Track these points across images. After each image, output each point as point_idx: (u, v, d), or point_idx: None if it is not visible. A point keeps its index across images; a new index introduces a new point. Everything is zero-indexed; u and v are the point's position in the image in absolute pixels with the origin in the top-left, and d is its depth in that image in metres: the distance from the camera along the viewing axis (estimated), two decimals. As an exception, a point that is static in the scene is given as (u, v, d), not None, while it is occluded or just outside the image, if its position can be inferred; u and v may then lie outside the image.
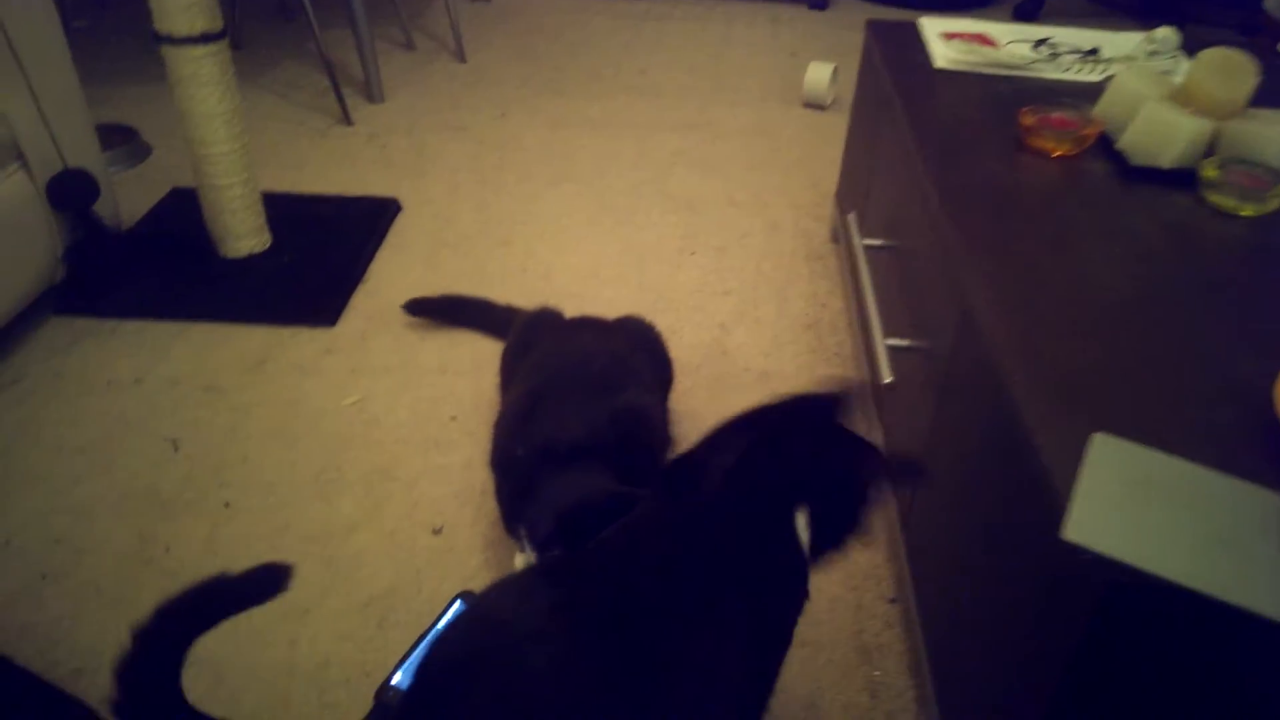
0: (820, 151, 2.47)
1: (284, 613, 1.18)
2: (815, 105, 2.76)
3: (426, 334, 1.73)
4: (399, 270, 1.91)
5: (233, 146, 1.77)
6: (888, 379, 1.19)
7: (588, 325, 1.42)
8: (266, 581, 0.85)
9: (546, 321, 1.44)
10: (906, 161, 1.33)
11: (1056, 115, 1.31)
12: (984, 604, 0.87)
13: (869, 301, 1.34)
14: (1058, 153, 1.27)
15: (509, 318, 1.66)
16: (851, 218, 1.57)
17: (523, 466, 1.14)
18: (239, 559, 1.25)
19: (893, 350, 1.24)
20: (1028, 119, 1.29)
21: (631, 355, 1.34)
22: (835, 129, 2.60)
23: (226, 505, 1.34)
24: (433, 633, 1.13)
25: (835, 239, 2.05)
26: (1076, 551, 0.67)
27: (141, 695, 0.76)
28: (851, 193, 1.79)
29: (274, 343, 1.68)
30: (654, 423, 1.24)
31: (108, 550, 1.27)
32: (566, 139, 2.51)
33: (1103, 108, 1.34)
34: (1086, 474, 0.74)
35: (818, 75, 2.71)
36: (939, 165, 1.22)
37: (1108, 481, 0.73)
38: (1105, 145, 1.28)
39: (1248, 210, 1.13)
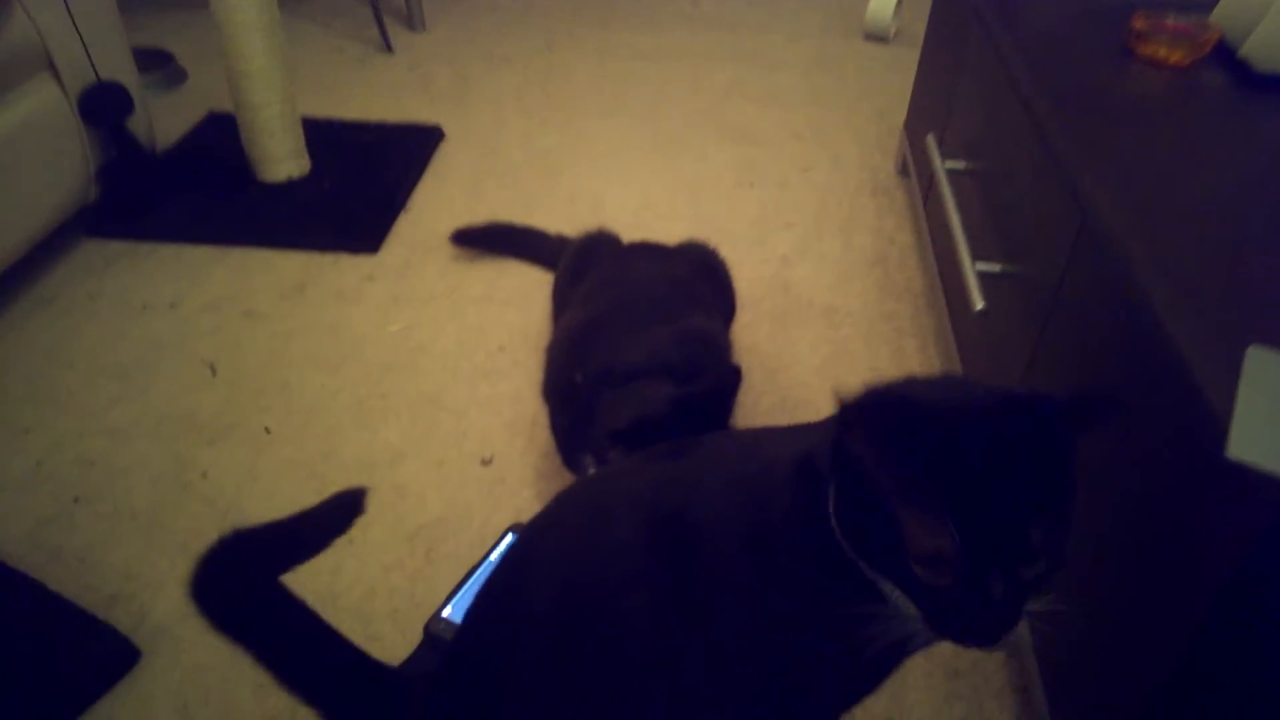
0: (884, 84, 2.33)
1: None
2: (877, 37, 2.61)
3: (472, 263, 1.64)
4: (442, 199, 1.83)
5: (270, 62, 1.69)
6: (979, 306, 1.09)
7: (647, 250, 1.33)
8: (345, 509, 0.77)
9: (603, 245, 1.35)
10: (1000, 77, 1.21)
11: (1170, 21, 1.18)
12: (1116, 538, 0.77)
13: (955, 225, 1.23)
14: (1172, 60, 1.15)
15: (559, 248, 1.57)
16: (931, 140, 1.46)
17: (582, 394, 1.06)
18: (280, 487, 1.19)
19: (982, 277, 1.13)
20: (1140, 23, 1.16)
21: (694, 280, 1.25)
22: (900, 60, 2.45)
23: (267, 431, 1.28)
24: (490, 563, 1.06)
25: (902, 172, 1.93)
26: (1240, 470, 0.58)
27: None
28: (927, 119, 1.67)
29: (314, 269, 1.61)
30: (721, 349, 1.15)
31: (143, 474, 1.21)
32: (616, 71, 2.40)
33: (1221, 13, 1.20)
34: (1244, 388, 0.64)
35: (881, 5, 2.56)
36: (1042, 76, 1.10)
37: (1268, 395, 0.63)
38: (1223, 54, 1.15)
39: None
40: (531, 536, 0.79)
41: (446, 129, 2.06)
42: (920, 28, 1.85)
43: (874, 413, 0.57)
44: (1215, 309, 0.71)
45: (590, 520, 0.73)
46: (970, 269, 1.14)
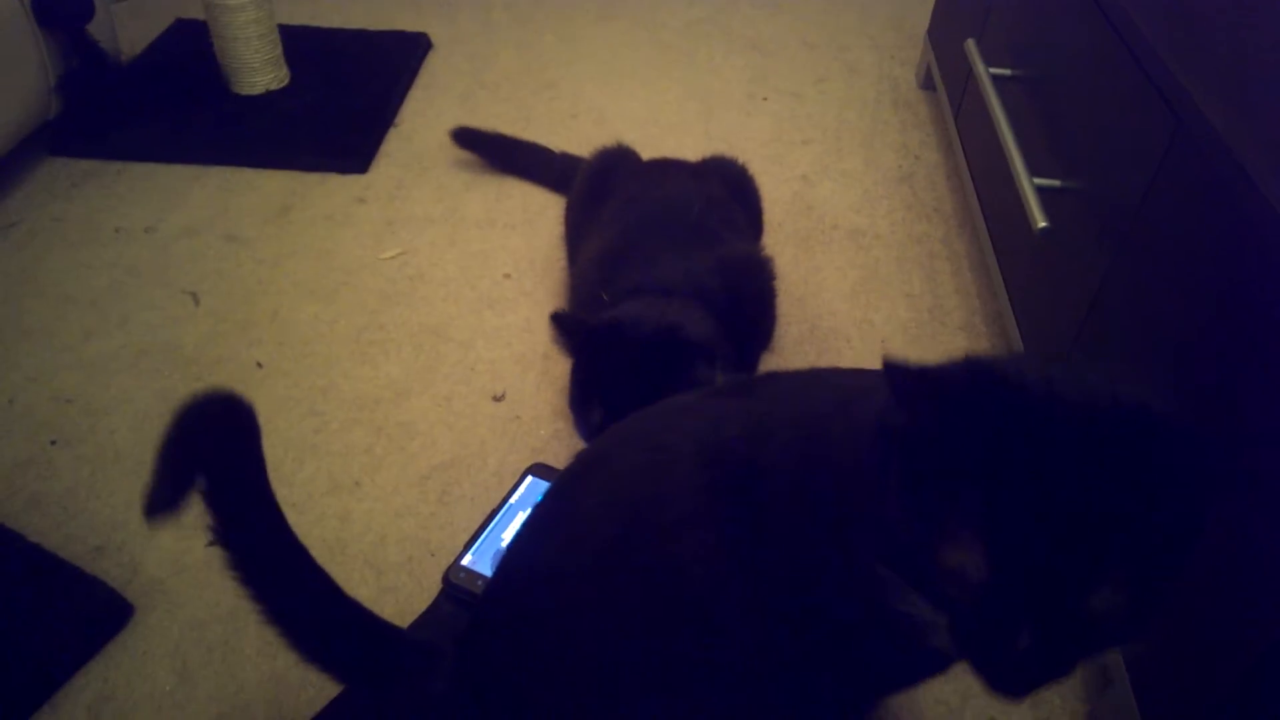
0: (901, -9, 2.19)
1: (331, 485, 1.03)
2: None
3: (471, 182, 1.53)
4: (433, 113, 1.69)
5: (243, -41, 1.53)
6: (1041, 223, 1.00)
7: (673, 167, 1.22)
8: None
9: (623, 163, 1.23)
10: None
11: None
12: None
13: (1007, 137, 1.13)
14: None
15: (564, 167, 1.46)
16: (971, 45, 1.34)
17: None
18: (278, 425, 1.10)
19: (1041, 193, 1.04)
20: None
21: (727, 200, 1.14)
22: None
23: (259, 365, 1.18)
24: (510, 507, 0.99)
25: (926, 85, 1.81)
26: None
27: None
28: (959, 24, 1.55)
29: (299, 189, 1.49)
30: (766, 274, 1.05)
31: (126, 412, 1.11)
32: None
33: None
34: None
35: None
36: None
37: None
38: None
39: None
40: (576, 478, 0.71)
41: (434, 37, 1.91)
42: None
43: (920, 384, 0.46)
44: None
45: (647, 460, 0.65)
46: (1028, 182, 1.05)
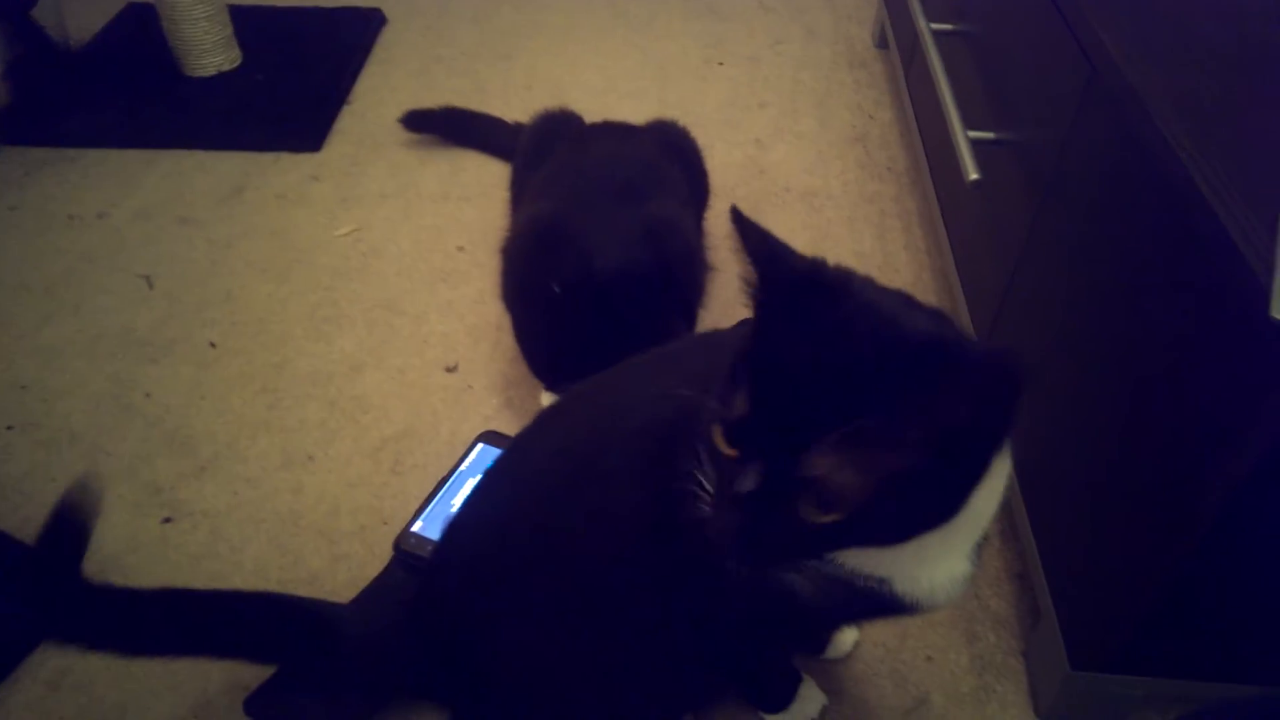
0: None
1: (285, 459, 1.05)
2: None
3: (426, 157, 1.53)
4: (388, 89, 1.69)
5: (186, -60, 1.52)
6: (973, 175, 1.01)
7: (611, 130, 1.23)
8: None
9: (563, 126, 1.24)
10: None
11: None
12: (1136, 413, 0.72)
13: (943, 89, 1.14)
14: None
15: (516, 135, 1.46)
16: (914, 1, 1.34)
17: (562, 303, 0.97)
18: (230, 403, 1.11)
19: (975, 146, 1.05)
20: None
21: (662, 163, 1.15)
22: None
23: (212, 345, 1.19)
24: (461, 473, 1.00)
25: (881, 44, 1.81)
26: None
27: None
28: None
29: (252, 170, 1.49)
30: (685, 234, 1.06)
31: (81, 396, 1.12)
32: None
33: None
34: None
35: None
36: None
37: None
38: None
39: None
40: (517, 449, 0.73)
41: (388, 12, 1.90)
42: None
43: (757, 233, 0.50)
44: (1248, 161, 0.64)
45: (584, 433, 0.67)
46: (962, 135, 1.05)
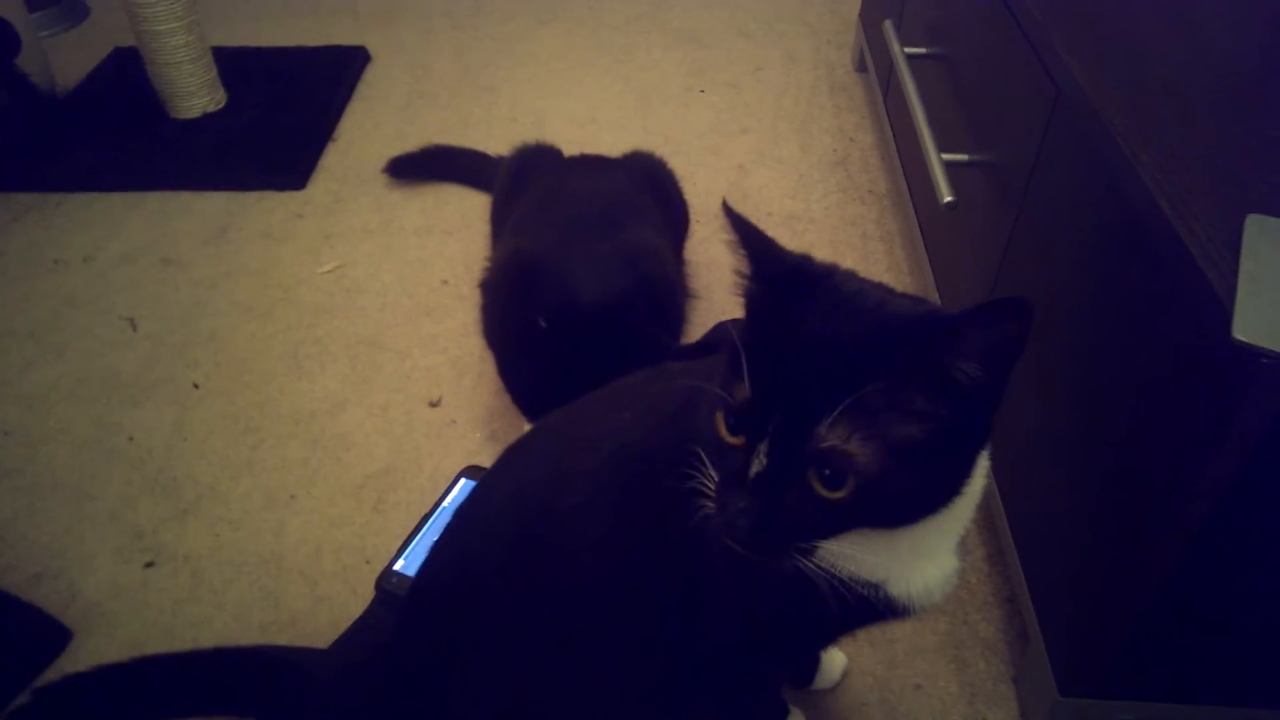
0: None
1: (267, 500, 1.04)
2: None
3: (409, 192, 1.54)
4: (372, 125, 1.70)
5: (169, -15, 1.54)
6: (947, 198, 1.01)
7: (587, 163, 1.23)
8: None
9: (540, 160, 1.24)
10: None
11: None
12: (1108, 432, 0.71)
13: (917, 113, 1.14)
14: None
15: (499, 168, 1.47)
16: (888, 25, 1.35)
17: (548, 339, 0.97)
18: (213, 444, 1.11)
19: (950, 168, 1.06)
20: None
21: (639, 194, 1.15)
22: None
23: (195, 386, 1.19)
24: (444, 510, 1.00)
25: (860, 68, 1.83)
26: (1249, 353, 0.52)
27: None
28: (884, 4, 1.56)
29: (237, 209, 1.50)
30: (665, 266, 1.06)
31: (65, 441, 1.12)
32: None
33: None
34: (1246, 262, 0.57)
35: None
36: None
37: (1273, 269, 0.57)
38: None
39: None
40: (487, 486, 0.73)
41: (372, 49, 1.92)
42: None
43: (747, 226, 0.51)
44: (1207, 180, 0.64)
45: (553, 468, 0.66)
46: (936, 158, 1.06)
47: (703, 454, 0.52)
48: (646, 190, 1.17)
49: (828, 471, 0.45)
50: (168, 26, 1.57)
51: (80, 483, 1.07)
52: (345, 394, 1.17)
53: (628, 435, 0.63)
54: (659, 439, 0.61)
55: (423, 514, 1.00)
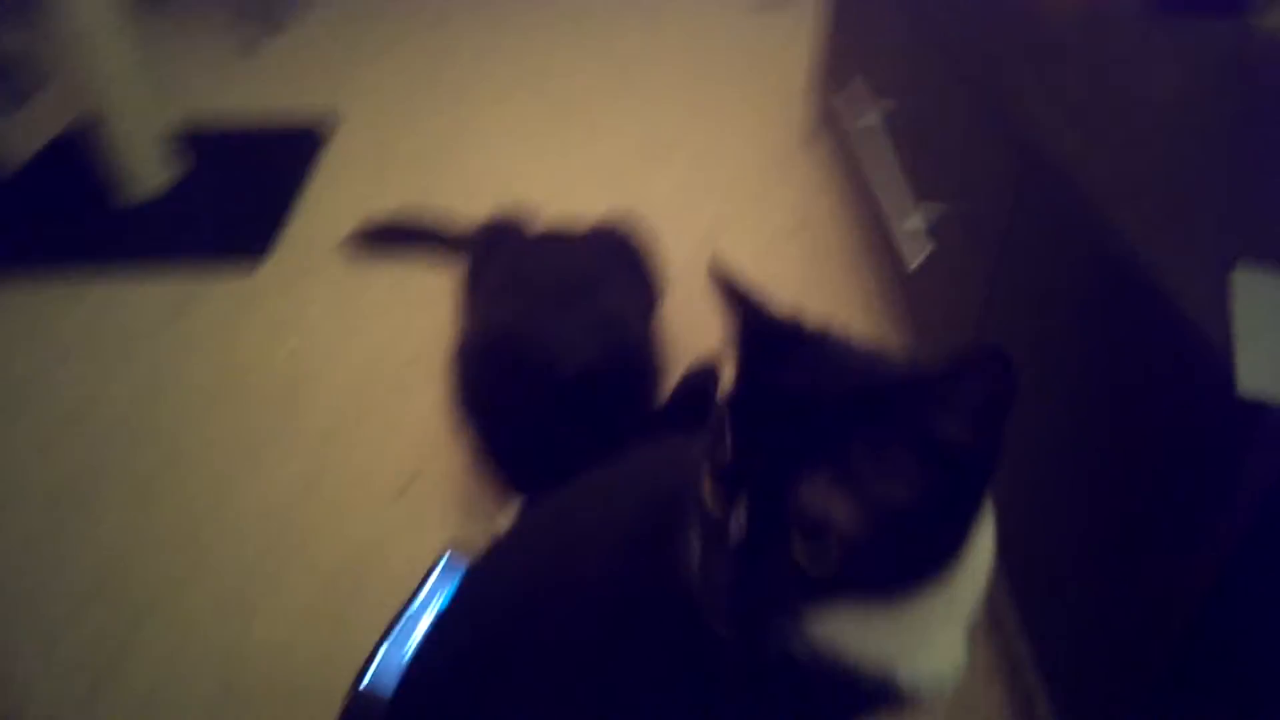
0: (778, 53, 2.25)
1: (229, 598, 0.98)
2: (769, 6, 2.53)
3: (374, 267, 1.50)
4: (335, 197, 1.68)
5: (124, 65, 1.51)
6: (912, 266, 1.01)
7: (556, 236, 1.22)
8: None
9: (510, 229, 1.23)
10: (915, 22, 1.14)
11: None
12: (1109, 492, 0.70)
13: (875, 182, 1.16)
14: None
15: (466, 237, 1.46)
16: (845, 96, 1.38)
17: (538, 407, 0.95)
18: (164, 546, 1.04)
19: (913, 232, 1.06)
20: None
21: (609, 264, 1.14)
22: (790, 30, 2.39)
23: (146, 483, 1.13)
24: (424, 598, 0.95)
25: (814, 135, 1.85)
26: (1254, 405, 0.51)
27: None
28: (838, 76, 1.59)
29: (191, 292, 1.45)
30: (640, 330, 1.05)
31: (5, 548, 1.05)
32: (513, 43, 2.27)
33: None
34: (1241, 316, 0.57)
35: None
36: (961, 14, 1.03)
37: (1268, 322, 0.57)
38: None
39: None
40: (474, 579, 0.69)
41: (333, 121, 1.90)
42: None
43: (734, 283, 0.50)
44: (1185, 226, 0.65)
45: (548, 555, 0.63)
46: (898, 226, 1.07)
47: (692, 521, 0.50)
48: (617, 258, 1.16)
49: (809, 534, 0.43)
50: (121, 105, 1.54)
51: (27, 591, 1.00)
52: (311, 481, 1.12)
53: (629, 524, 0.59)
54: (659, 523, 0.58)
55: (399, 607, 0.95)
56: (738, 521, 0.44)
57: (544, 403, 0.92)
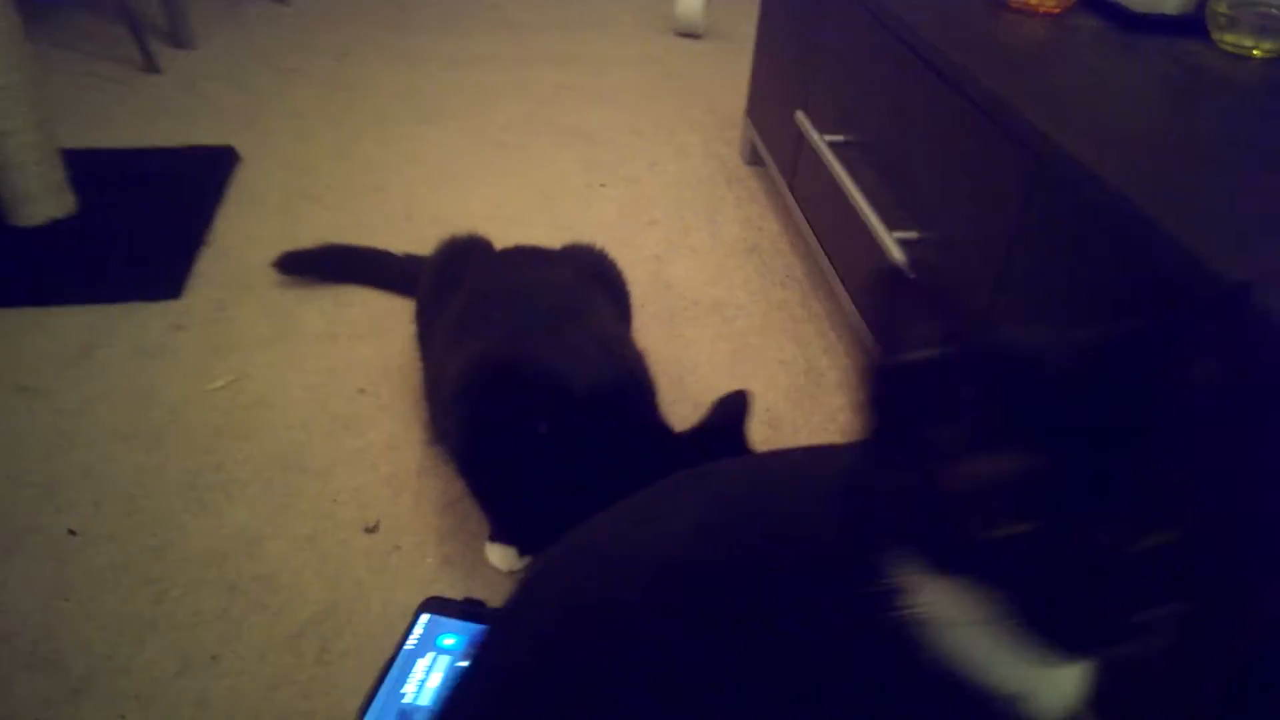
0: (709, 78, 2.28)
1: (183, 663, 0.86)
2: (689, 34, 2.57)
3: (305, 295, 1.40)
4: (252, 228, 1.56)
5: (11, 79, 1.36)
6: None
7: (527, 255, 1.16)
8: None
9: (473, 253, 1.16)
10: (880, 44, 1.15)
11: (1033, -29, 1.17)
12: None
13: (855, 196, 1.16)
14: (1044, 8, 1.14)
15: (411, 267, 1.37)
16: (802, 117, 1.39)
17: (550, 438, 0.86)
18: (106, 602, 0.92)
19: (902, 245, 1.06)
20: (1008, -25, 1.14)
21: (590, 287, 1.09)
22: (718, 55, 2.43)
23: (72, 534, 0.99)
24: (407, 653, 0.86)
25: (752, 161, 1.87)
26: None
27: None
28: (781, 100, 1.60)
29: (101, 325, 1.31)
30: (639, 353, 1.00)
31: (-103, 618, 0.90)
32: (426, 76, 2.20)
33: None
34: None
35: (690, 2, 2.52)
36: (936, 33, 1.05)
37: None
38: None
39: (1264, 49, 1.02)
40: (526, 605, 0.61)
41: (241, 150, 1.78)
42: (730, 22, 1.78)
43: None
44: (1219, 221, 0.66)
45: (600, 581, 0.56)
46: (888, 237, 1.07)
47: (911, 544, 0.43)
48: (594, 281, 1.11)
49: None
50: (11, 125, 1.39)
51: (-76, 668, 0.85)
52: (261, 526, 1.01)
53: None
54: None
55: (381, 663, 0.86)
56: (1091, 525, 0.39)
57: (566, 433, 0.85)
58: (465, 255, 1.14)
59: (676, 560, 0.54)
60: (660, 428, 0.91)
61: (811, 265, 1.53)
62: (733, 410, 0.93)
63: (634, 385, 0.92)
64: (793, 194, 1.55)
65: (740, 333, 1.37)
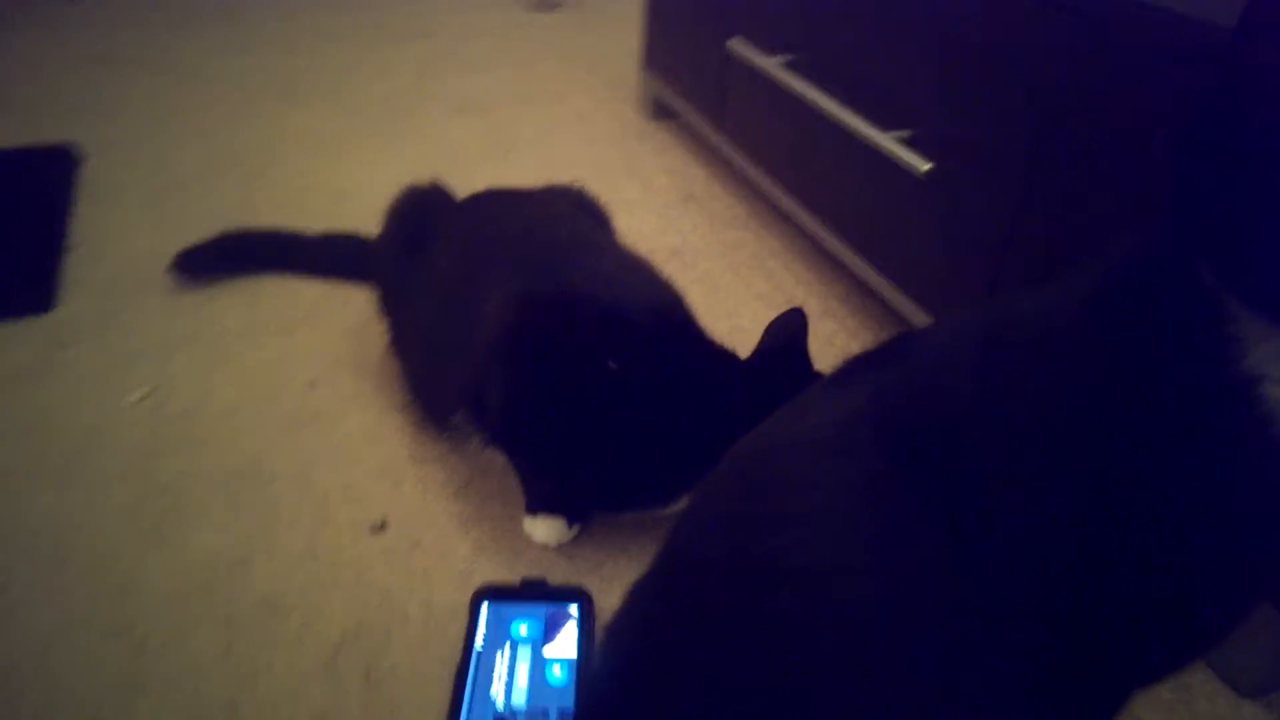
0: (581, 44, 2.20)
1: (195, 717, 0.69)
2: (546, 6, 2.47)
3: (212, 294, 1.19)
4: (118, 226, 1.32)
5: None
6: (925, 167, 0.97)
7: (513, 196, 1.02)
8: None
9: (436, 202, 1.01)
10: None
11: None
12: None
13: (832, 108, 1.11)
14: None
15: (330, 246, 1.22)
16: (739, 45, 1.32)
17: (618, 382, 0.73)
18: (57, 666, 0.71)
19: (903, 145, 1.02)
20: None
21: (590, 221, 0.98)
22: (581, 23, 2.36)
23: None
24: (475, 659, 0.72)
25: (656, 116, 1.79)
26: None
27: None
28: (703, 38, 1.53)
29: (-44, 351, 1.06)
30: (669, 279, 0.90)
31: None
32: (278, 59, 1.98)
33: None
34: None
35: (545, -29, 2.43)
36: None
37: None
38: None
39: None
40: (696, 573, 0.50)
41: (84, 146, 1.52)
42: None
43: None
44: None
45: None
46: (887, 139, 1.02)
47: None
48: (588, 216, 1.00)
49: None
50: None
51: None
52: (241, 547, 0.83)
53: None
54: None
55: (451, 669, 0.72)
56: None
57: (640, 371, 0.73)
58: (430, 206, 1.00)
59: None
60: (724, 353, 0.82)
61: (755, 205, 1.48)
62: (792, 330, 0.84)
63: (685, 311, 0.82)
64: (724, 134, 1.49)
65: (707, 274, 1.30)
